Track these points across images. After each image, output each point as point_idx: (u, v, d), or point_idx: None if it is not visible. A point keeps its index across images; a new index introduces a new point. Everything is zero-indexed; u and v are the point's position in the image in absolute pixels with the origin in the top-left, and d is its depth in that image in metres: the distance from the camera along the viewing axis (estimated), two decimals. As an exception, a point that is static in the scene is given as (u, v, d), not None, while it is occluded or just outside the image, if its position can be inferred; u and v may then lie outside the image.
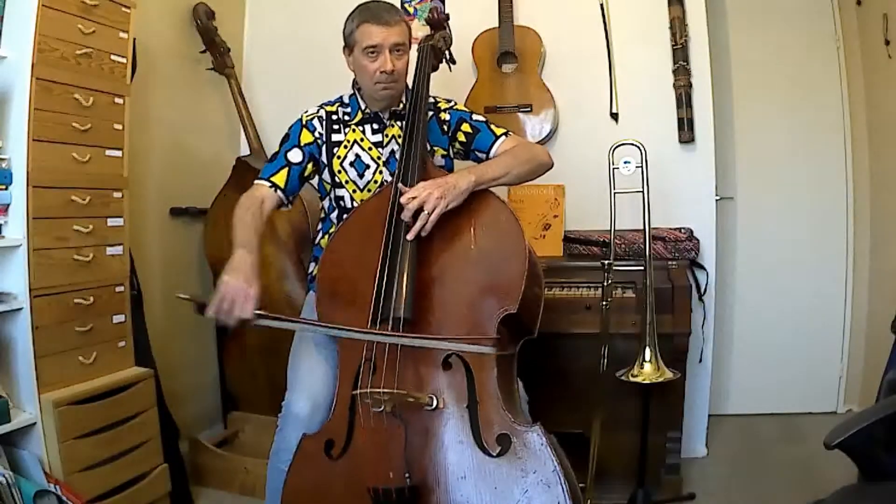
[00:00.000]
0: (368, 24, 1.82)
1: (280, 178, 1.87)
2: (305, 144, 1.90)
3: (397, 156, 1.82)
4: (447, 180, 1.68)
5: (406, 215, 1.63)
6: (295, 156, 1.89)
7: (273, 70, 3.20)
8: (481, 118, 1.98)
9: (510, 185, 2.04)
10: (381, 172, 1.91)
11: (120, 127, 2.18)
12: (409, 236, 1.63)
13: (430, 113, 1.93)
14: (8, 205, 1.91)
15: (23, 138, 1.90)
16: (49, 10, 1.92)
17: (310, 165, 1.91)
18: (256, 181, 1.88)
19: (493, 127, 1.95)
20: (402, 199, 1.64)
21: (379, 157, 1.92)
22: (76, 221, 2.04)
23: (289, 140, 1.92)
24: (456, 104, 2.02)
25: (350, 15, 1.88)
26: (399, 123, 1.92)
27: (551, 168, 1.94)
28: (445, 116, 1.97)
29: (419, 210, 1.63)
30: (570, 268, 2.58)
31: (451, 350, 1.57)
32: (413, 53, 1.96)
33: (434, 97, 1.97)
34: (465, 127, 1.95)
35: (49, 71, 1.94)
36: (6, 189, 1.90)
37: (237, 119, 3.00)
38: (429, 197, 1.62)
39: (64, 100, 1.99)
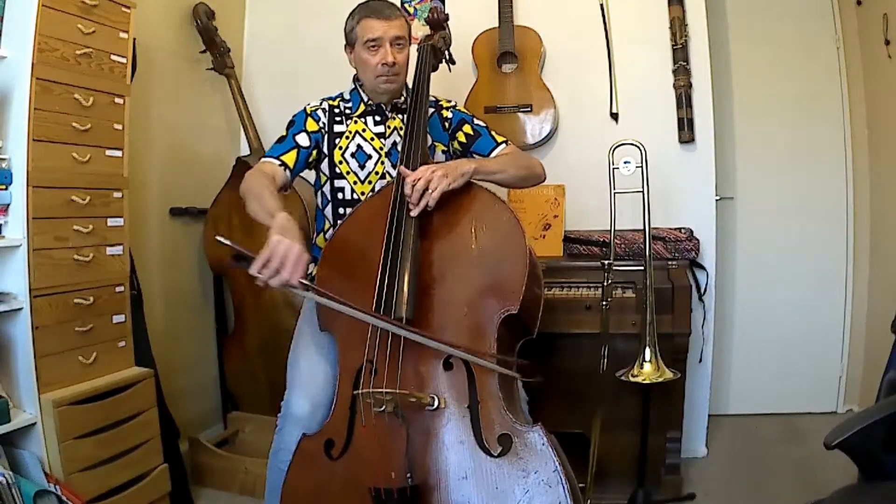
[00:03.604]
0: (369, 18, 1.86)
1: (289, 158, 1.86)
2: (312, 132, 1.91)
3: (398, 148, 1.83)
4: (449, 164, 1.74)
5: (413, 197, 1.63)
6: (303, 140, 1.90)
7: (273, 70, 3.20)
8: (482, 123, 2.01)
9: (505, 186, 2.06)
10: (382, 163, 1.91)
11: (120, 127, 2.17)
12: (414, 213, 1.64)
13: (432, 110, 1.94)
14: (8, 205, 1.91)
15: (23, 138, 1.89)
16: (49, 10, 1.92)
17: (314, 152, 1.92)
18: (264, 159, 1.87)
19: (493, 133, 1.99)
20: (408, 179, 1.64)
21: (381, 148, 1.93)
22: (76, 221, 2.04)
23: (295, 125, 1.92)
24: (457, 105, 2.04)
25: (351, 13, 1.91)
26: (400, 116, 1.94)
27: (543, 181, 2.00)
28: (447, 114, 2.00)
29: (424, 192, 1.64)
30: (570, 268, 2.58)
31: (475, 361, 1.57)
32: (413, 53, 1.97)
33: (434, 97, 1.99)
34: (467, 128, 1.98)
35: (49, 71, 1.93)
36: (6, 189, 1.90)
37: (237, 119, 3.00)
38: (433, 175, 1.64)
39: (64, 100, 1.99)
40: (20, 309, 1.90)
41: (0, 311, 1.87)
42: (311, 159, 1.91)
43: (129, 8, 2.18)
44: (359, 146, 1.92)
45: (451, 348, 1.56)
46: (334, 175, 1.92)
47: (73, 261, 2.03)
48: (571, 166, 2.83)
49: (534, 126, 2.85)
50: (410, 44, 1.94)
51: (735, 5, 3.23)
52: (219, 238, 1.46)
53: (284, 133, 1.92)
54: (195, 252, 2.96)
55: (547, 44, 2.86)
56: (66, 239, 2.02)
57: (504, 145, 1.97)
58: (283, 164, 1.85)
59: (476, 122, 2.00)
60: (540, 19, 2.88)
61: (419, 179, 1.64)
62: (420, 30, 2.82)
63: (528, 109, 2.85)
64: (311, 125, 1.92)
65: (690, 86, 2.78)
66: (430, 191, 1.63)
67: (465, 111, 2.04)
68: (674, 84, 2.80)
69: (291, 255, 1.44)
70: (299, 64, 3.11)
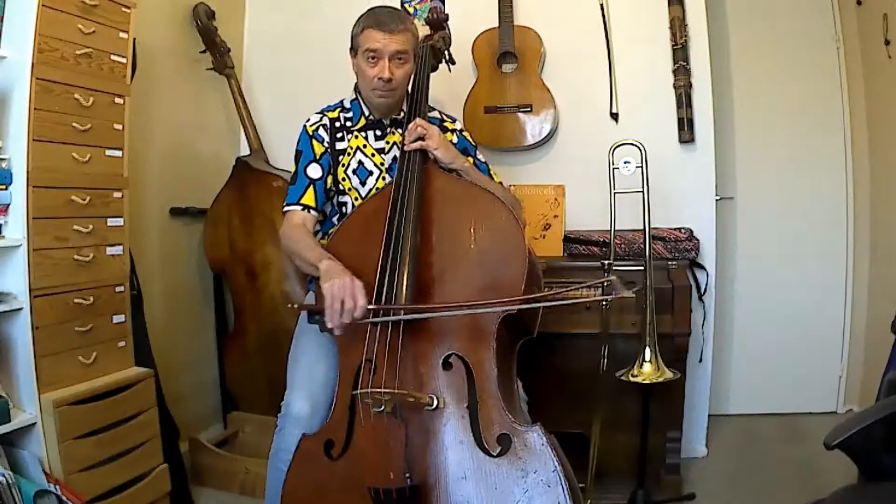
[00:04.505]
0: (372, 29, 1.84)
1: (309, 198, 1.88)
2: (320, 156, 1.91)
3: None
4: (453, 148, 1.87)
5: (409, 135, 1.79)
6: (314, 171, 1.90)
7: (273, 70, 3.20)
8: (483, 159, 2.04)
9: None
10: (383, 179, 1.92)
11: (120, 127, 2.17)
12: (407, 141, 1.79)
13: (435, 127, 1.93)
14: (8, 205, 1.91)
15: (23, 138, 1.89)
16: (49, 10, 1.92)
17: (329, 178, 1.92)
18: (289, 208, 1.88)
19: (492, 172, 2.03)
20: (418, 120, 1.80)
21: (382, 164, 1.93)
22: (76, 221, 2.04)
23: (303, 156, 1.91)
24: (463, 130, 2.05)
25: (359, 18, 1.90)
26: (400, 131, 1.93)
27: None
28: (451, 137, 2.00)
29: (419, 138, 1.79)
30: (570, 268, 2.57)
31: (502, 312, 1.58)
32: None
33: (440, 112, 2.02)
34: (469, 160, 1.99)
35: (49, 71, 1.93)
36: (6, 189, 1.90)
37: (237, 119, 3.00)
38: (431, 135, 1.79)
39: (64, 100, 1.99)
40: (20, 309, 1.90)
41: (0, 311, 1.88)
42: (328, 186, 1.92)
43: (129, 8, 2.18)
44: (360, 162, 1.93)
45: (454, 310, 1.57)
46: (338, 191, 1.93)
47: (73, 261, 2.03)
48: (571, 166, 2.83)
49: (534, 126, 2.85)
50: (415, 58, 1.93)
51: (735, 5, 3.23)
52: (292, 305, 1.67)
53: (295, 167, 1.92)
54: (195, 252, 2.96)
55: (547, 44, 2.86)
56: (66, 239, 2.02)
57: (501, 186, 2.01)
58: (306, 206, 1.87)
59: (478, 156, 2.03)
60: (540, 19, 2.88)
61: (424, 130, 1.78)
62: (420, 30, 2.81)
63: (528, 109, 2.85)
64: (318, 148, 1.91)
65: (690, 86, 2.78)
66: (423, 140, 1.78)
67: (470, 140, 2.05)
68: (674, 84, 2.80)
69: (346, 290, 1.54)
70: (299, 64, 3.11)
